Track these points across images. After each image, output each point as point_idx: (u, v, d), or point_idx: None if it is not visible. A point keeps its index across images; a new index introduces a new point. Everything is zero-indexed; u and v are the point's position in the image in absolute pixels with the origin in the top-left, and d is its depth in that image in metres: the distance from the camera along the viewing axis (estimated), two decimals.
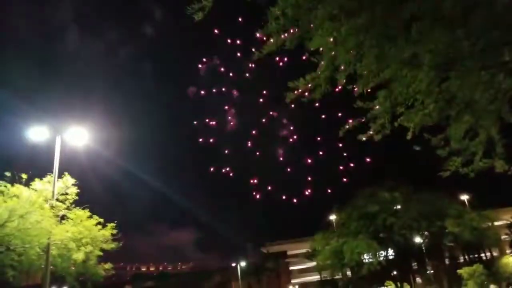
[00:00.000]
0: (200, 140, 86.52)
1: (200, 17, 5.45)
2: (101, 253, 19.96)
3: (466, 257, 59.00)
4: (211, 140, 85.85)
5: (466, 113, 8.04)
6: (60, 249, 17.15)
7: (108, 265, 21.83)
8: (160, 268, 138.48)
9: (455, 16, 5.91)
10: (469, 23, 5.97)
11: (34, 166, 17.95)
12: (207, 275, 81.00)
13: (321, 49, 6.13)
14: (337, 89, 7.12)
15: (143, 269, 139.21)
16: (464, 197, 46.48)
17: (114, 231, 19.85)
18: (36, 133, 15.70)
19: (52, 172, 16.46)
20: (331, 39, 6.00)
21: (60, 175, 17.33)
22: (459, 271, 49.98)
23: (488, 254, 57.48)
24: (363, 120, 8.08)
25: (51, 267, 16.07)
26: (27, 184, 16.31)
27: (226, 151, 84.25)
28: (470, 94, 7.27)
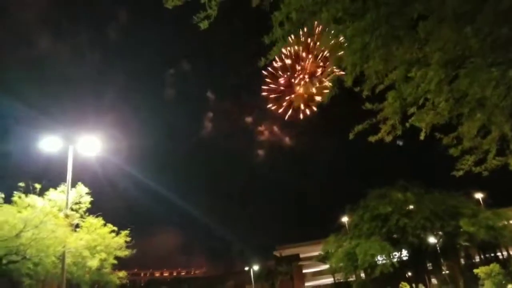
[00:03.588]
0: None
1: (206, 26, 5.45)
2: (115, 261, 20.12)
3: (482, 256, 57.82)
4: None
5: (478, 110, 7.93)
6: (75, 257, 17.33)
7: (122, 273, 21.99)
8: (174, 274, 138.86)
9: (462, 14, 5.86)
10: (477, 20, 5.90)
11: (48, 176, 18.22)
12: (220, 279, 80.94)
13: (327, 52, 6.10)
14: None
15: (157, 274, 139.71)
16: (479, 196, 45.70)
17: (128, 238, 20.00)
18: (49, 143, 15.90)
19: (65, 182, 16.65)
20: (337, 42, 5.98)
21: (74, 185, 17.53)
22: (475, 270, 48.97)
23: (504, 253, 56.30)
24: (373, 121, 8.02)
25: (67, 275, 16.24)
26: (41, 193, 16.53)
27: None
28: (481, 91, 7.17)
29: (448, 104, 7.80)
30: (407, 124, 8.22)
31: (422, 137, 8.50)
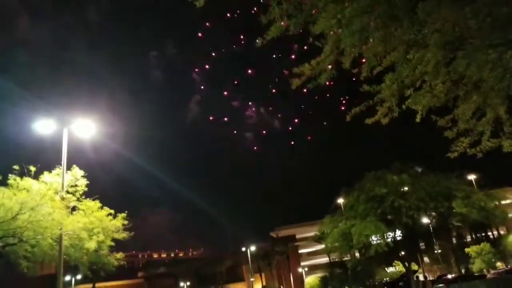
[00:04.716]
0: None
1: (202, 4, 5.32)
2: (112, 243, 20.29)
3: (473, 236, 59.11)
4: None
5: (474, 93, 7.93)
6: (72, 239, 17.41)
7: (120, 255, 22.22)
8: (172, 255, 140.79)
9: None
10: (477, 0, 5.81)
11: (42, 158, 18.11)
12: (218, 260, 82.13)
13: (325, 32, 6.00)
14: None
15: (155, 256, 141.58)
16: (472, 177, 46.22)
17: (125, 221, 20.13)
18: (43, 125, 15.71)
19: (59, 164, 16.55)
20: (335, 22, 5.86)
21: (68, 167, 17.42)
22: (466, 249, 50.13)
23: (495, 232, 57.55)
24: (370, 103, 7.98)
25: (64, 257, 16.35)
26: (35, 176, 16.44)
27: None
28: (478, 73, 7.14)
29: (445, 86, 7.78)
30: (404, 107, 8.21)
31: (418, 119, 8.51)
